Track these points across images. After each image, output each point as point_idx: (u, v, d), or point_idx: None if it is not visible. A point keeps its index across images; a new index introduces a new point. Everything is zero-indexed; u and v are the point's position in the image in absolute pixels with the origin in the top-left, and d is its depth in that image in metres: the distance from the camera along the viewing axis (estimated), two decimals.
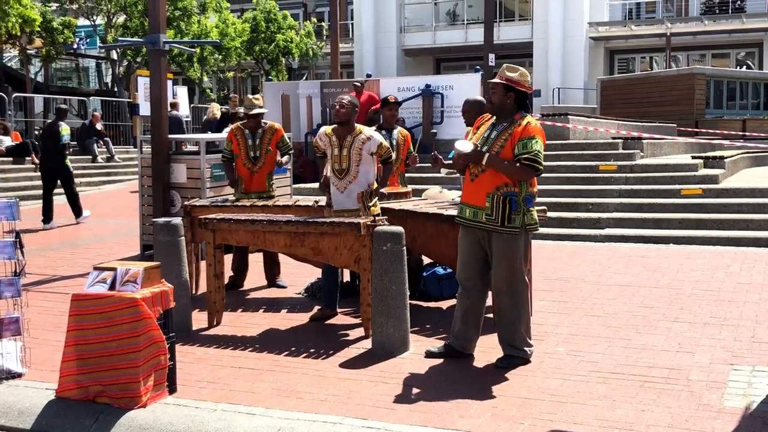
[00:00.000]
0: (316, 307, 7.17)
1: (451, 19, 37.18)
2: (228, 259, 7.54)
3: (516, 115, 5.32)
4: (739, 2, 33.37)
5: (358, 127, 6.81)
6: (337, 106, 6.73)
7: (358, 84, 14.86)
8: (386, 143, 6.91)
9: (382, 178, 7.04)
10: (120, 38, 22.77)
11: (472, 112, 6.62)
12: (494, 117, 5.43)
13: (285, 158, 8.41)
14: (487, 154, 5.22)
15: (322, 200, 7.49)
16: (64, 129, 13.12)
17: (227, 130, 9.16)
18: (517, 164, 5.18)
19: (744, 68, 31.80)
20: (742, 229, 10.88)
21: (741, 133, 18.64)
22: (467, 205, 5.42)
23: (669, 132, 19.34)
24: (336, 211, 6.78)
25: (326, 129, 6.90)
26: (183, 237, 6.47)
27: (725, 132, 18.51)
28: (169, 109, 12.76)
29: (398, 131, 8.42)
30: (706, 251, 9.92)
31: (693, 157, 14.23)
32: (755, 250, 9.92)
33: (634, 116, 20.69)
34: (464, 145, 5.32)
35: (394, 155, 8.28)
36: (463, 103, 6.82)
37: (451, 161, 7.19)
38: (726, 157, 13.93)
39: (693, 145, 17.92)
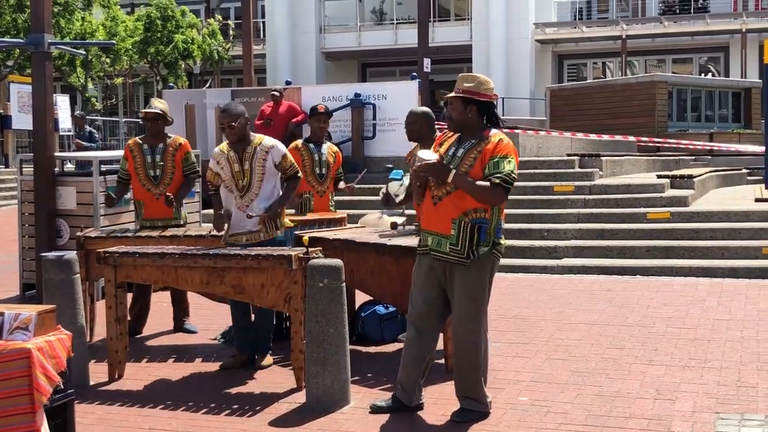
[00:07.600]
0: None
1: (377, 18, 37.54)
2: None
3: (486, 131, 5.37)
4: (701, 1, 34.49)
5: (257, 136, 6.84)
6: (227, 128, 6.68)
7: (276, 93, 14.83)
8: (291, 157, 6.96)
9: (284, 194, 6.90)
10: None
11: (417, 124, 6.66)
12: (458, 134, 5.46)
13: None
14: (453, 171, 5.24)
15: None
16: None
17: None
18: (488, 184, 5.22)
19: (710, 75, 32.84)
20: (716, 257, 11.18)
21: (709, 147, 19.27)
22: (429, 233, 5.43)
23: (629, 148, 19.83)
24: (232, 235, 6.76)
25: (220, 147, 6.90)
26: (78, 274, 6.35)
27: (691, 147, 19.10)
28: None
29: (328, 146, 8.55)
30: (678, 283, 10.17)
31: (658, 176, 14.58)
32: (732, 282, 10.18)
33: (588, 129, 21.17)
34: (429, 155, 5.30)
35: (324, 171, 8.35)
36: (408, 114, 6.83)
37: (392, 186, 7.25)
38: (695, 176, 14.31)
39: (655, 161, 18.41)
